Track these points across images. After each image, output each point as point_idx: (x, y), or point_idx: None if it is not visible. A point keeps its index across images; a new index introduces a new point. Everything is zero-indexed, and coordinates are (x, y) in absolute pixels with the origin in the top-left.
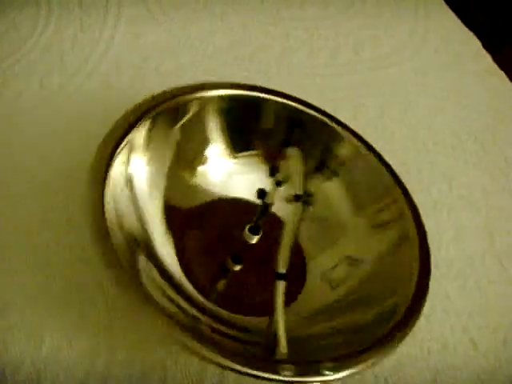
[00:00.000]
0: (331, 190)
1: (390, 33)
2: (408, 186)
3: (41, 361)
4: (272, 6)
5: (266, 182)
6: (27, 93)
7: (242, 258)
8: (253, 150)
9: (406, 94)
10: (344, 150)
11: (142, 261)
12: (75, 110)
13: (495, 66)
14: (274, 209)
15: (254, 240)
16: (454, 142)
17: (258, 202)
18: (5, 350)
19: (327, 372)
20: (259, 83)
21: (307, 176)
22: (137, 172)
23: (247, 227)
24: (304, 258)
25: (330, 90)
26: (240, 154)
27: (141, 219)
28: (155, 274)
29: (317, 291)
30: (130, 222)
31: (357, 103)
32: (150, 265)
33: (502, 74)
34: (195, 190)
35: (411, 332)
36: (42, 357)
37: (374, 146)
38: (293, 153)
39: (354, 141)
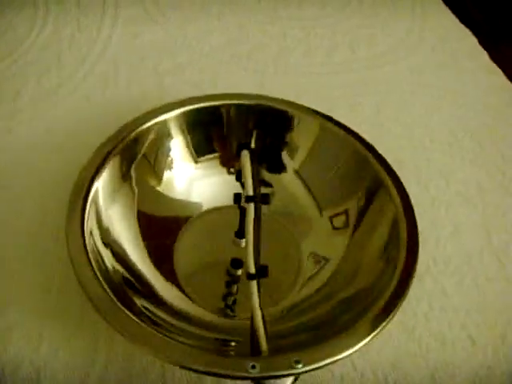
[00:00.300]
0: (291, 184)
1: (387, 31)
2: (405, 183)
3: (40, 360)
4: (269, 6)
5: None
6: (25, 92)
7: (242, 261)
8: (213, 151)
9: (402, 93)
10: (299, 136)
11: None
12: (72, 109)
13: (492, 64)
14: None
15: (243, 244)
16: (451, 140)
17: (231, 205)
18: (4, 350)
19: (296, 365)
20: (256, 82)
21: (261, 175)
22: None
23: (232, 233)
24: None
25: (327, 89)
26: (202, 158)
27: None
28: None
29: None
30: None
31: (353, 102)
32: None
33: (499, 71)
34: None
35: (409, 328)
36: (41, 356)
37: (371, 144)
38: (242, 155)
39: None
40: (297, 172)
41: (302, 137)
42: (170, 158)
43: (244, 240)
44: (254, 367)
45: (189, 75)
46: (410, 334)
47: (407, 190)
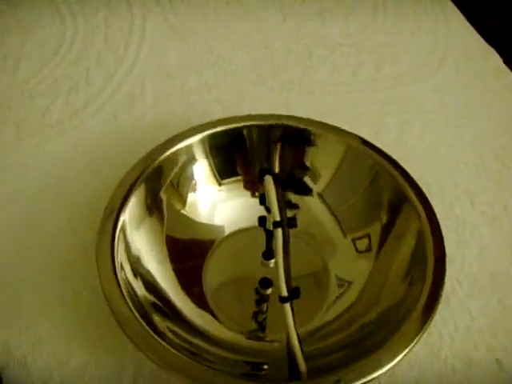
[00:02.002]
0: (315, 206)
1: (411, 50)
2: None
3: (69, 374)
4: (294, 24)
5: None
6: (53, 109)
7: (271, 281)
8: (237, 176)
9: (426, 112)
10: (323, 155)
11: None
12: (100, 126)
13: None
14: None
15: (272, 264)
16: (476, 160)
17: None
18: (34, 363)
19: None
20: (282, 101)
21: (286, 198)
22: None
23: (261, 254)
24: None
25: (352, 108)
26: (225, 181)
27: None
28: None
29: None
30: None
31: (377, 120)
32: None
33: None
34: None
35: (435, 350)
36: (69, 371)
37: (397, 161)
38: (266, 180)
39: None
40: (320, 194)
41: (327, 156)
42: (194, 182)
43: (272, 261)
44: None
45: (215, 94)
46: (436, 355)
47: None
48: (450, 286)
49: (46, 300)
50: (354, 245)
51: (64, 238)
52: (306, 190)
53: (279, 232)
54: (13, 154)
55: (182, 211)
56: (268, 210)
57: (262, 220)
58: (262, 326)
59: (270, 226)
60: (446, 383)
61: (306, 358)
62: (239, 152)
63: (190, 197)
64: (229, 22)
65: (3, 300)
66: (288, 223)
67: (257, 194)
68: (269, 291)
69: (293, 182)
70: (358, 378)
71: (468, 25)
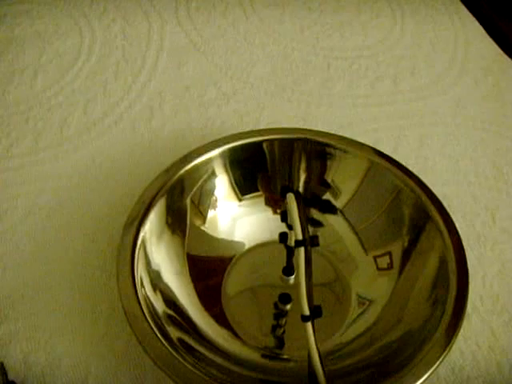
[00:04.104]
0: (336, 224)
1: (430, 63)
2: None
3: None
4: (312, 36)
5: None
6: (71, 120)
7: (290, 296)
8: (257, 189)
9: (446, 125)
10: (344, 171)
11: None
12: (118, 138)
13: None
14: None
15: (291, 281)
16: (496, 174)
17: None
18: (52, 381)
19: None
20: (300, 113)
21: (308, 215)
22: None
23: (281, 271)
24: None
25: (371, 121)
26: (245, 196)
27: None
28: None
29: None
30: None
31: (397, 134)
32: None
33: None
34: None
35: (456, 369)
36: None
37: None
38: (288, 198)
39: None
40: (342, 211)
41: (349, 172)
42: (214, 197)
43: (292, 277)
44: None
45: (233, 106)
46: (458, 375)
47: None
48: (471, 304)
49: (65, 315)
50: (376, 262)
51: (83, 251)
52: (328, 208)
53: (301, 251)
54: (31, 166)
55: (202, 227)
56: (290, 227)
57: (283, 236)
58: (280, 343)
59: (291, 243)
60: None
61: (327, 378)
62: (260, 167)
63: (210, 213)
64: (247, 34)
65: (22, 314)
66: (310, 242)
67: (278, 210)
68: (288, 307)
69: (315, 199)
70: None
71: (487, 36)
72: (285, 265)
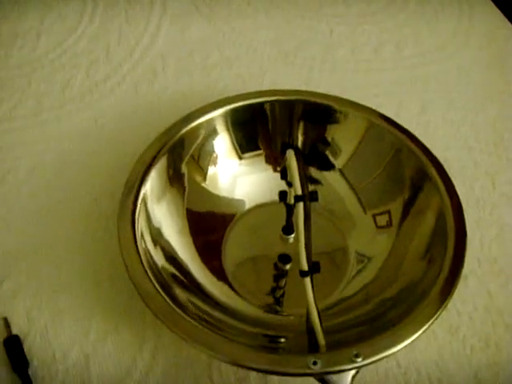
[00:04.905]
0: (336, 182)
1: (433, 30)
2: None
3: (89, 346)
4: (316, 2)
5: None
6: (74, 82)
7: (290, 256)
8: (258, 148)
9: (448, 91)
10: (345, 131)
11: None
12: (120, 100)
13: None
14: None
15: (291, 240)
16: (497, 140)
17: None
18: (54, 335)
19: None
20: (302, 78)
21: (307, 173)
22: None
23: (280, 229)
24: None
25: (373, 86)
26: (246, 155)
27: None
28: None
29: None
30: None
31: (399, 99)
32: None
33: None
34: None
35: (453, 329)
36: (90, 342)
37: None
38: (288, 154)
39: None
40: (341, 169)
41: (349, 132)
42: (214, 155)
43: (291, 236)
44: (315, 363)
45: (236, 69)
46: (454, 334)
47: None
48: (469, 266)
49: (68, 272)
50: (374, 220)
51: (86, 210)
52: (327, 166)
53: (300, 206)
54: (34, 127)
55: (203, 184)
56: (289, 184)
57: (282, 194)
58: (279, 301)
59: (290, 201)
60: (464, 362)
61: (325, 332)
62: (261, 126)
63: (211, 170)
64: None
65: (24, 271)
66: (309, 197)
67: (278, 168)
68: (288, 267)
69: (314, 156)
70: (377, 353)
71: (491, 3)
72: (284, 224)
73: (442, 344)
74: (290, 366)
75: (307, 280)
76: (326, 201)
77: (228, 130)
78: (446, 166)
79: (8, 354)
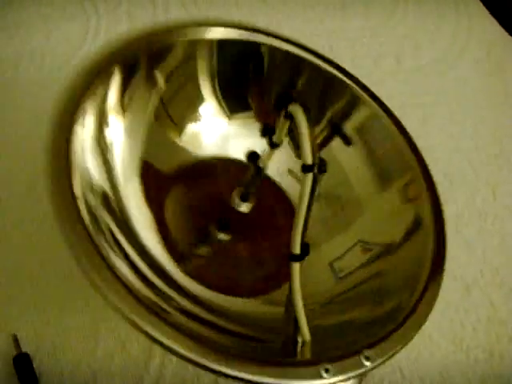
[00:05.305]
0: (347, 161)
1: (432, 42)
2: (452, 195)
3: (96, 362)
4: (315, 17)
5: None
6: None
7: (230, 225)
8: (248, 107)
9: (448, 103)
10: (362, 113)
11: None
12: None
13: None
14: (273, 174)
15: (244, 208)
16: (498, 151)
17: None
18: (62, 352)
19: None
20: None
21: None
22: (111, 125)
23: (236, 193)
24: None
25: None
26: (235, 115)
27: (112, 177)
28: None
29: (321, 281)
30: (99, 179)
31: (399, 112)
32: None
33: None
34: (180, 149)
35: (457, 340)
36: (97, 358)
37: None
38: (295, 111)
39: (373, 104)
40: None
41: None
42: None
43: (245, 204)
44: (327, 371)
45: None
46: (458, 345)
47: (455, 202)
48: (471, 277)
49: (73, 288)
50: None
51: None
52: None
53: (309, 178)
54: None
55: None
56: (273, 144)
57: (252, 155)
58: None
59: (261, 164)
60: (468, 373)
61: (329, 333)
62: (255, 69)
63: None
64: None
65: (30, 288)
66: (318, 168)
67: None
68: (221, 236)
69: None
70: (385, 353)
71: (489, 15)
72: (242, 189)
73: (446, 355)
74: (303, 377)
75: (296, 265)
76: (328, 184)
77: (211, 63)
78: (447, 178)
79: (17, 371)
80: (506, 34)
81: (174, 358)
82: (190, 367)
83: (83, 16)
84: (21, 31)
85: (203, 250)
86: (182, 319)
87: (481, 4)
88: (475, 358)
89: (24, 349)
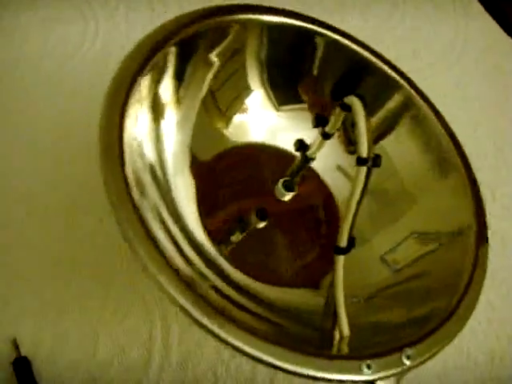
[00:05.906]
0: (402, 153)
1: (430, 45)
2: None
3: (96, 366)
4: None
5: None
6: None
7: (269, 213)
8: (297, 98)
9: (446, 106)
10: (411, 113)
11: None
12: None
13: None
14: (318, 167)
15: (286, 197)
16: (496, 153)
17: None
18: (61, 356)
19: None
20: None
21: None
22: (162, 107)
23: (281, 182)
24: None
25: None
26: (284, 107)
27: (161, 156)
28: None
29: (373, 274)
30: (149, 156)
31: None
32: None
33: None
34: (226, 140)
35: (457, 342)
36: (96, 363)
37: None
38: (353, 103)
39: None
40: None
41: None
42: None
43: (290, 194)
44: (369, 367)
45: None
46: (458, 347)
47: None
48: None
49: (73, 291)
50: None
51: (91, 230)
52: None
53: (363, 171)
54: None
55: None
56: (325, 135)
57: (300, 144)
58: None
59: (310, 154)
60: (468, 375)
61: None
62: (308, 60)
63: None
64: None
65: (29, 292)
66: (372, 162)
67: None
68: (260, 225)
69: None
70: (426, 352)
71: (487, 16)
72: (287, 177)
73: (445, 358)
74: (343, 371)
75: (340, 258)
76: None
77: (261, 50)
78: None
79: (17, 375)
80: (504, 35)
81: (173, 363)
82: (189, 370)
83: (81, 19)
84: (18, 34)
85: (241, 237)
86: (220, 300)
87: (479, 5)
88: (475, 360)
89: (23, 353)
